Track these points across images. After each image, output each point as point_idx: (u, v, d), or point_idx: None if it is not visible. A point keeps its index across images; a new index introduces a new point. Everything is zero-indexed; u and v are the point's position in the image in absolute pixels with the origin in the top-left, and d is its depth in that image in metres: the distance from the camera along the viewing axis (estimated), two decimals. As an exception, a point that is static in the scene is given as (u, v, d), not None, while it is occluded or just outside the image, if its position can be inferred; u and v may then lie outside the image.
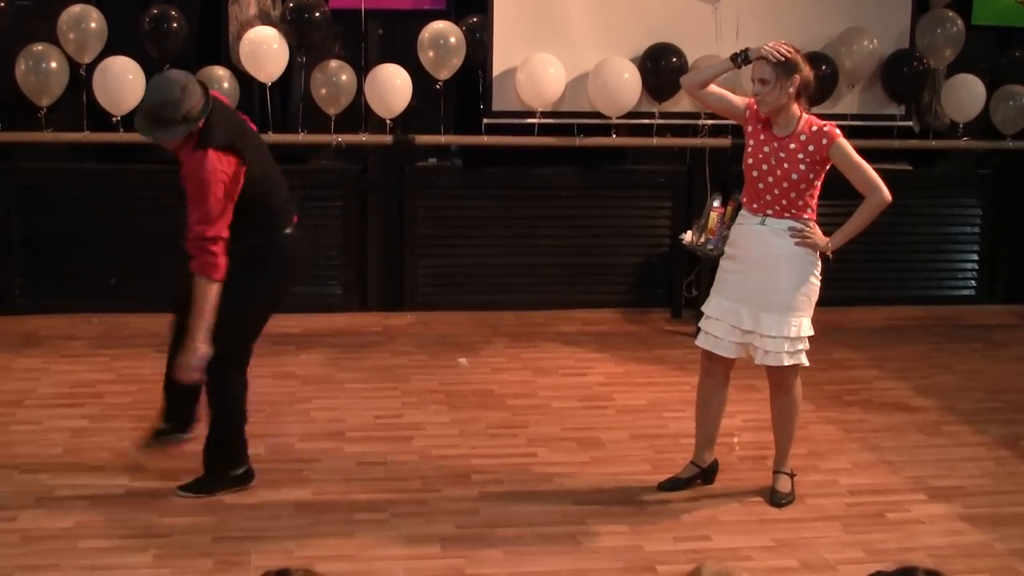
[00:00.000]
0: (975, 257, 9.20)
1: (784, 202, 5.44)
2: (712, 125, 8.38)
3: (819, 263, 5.55)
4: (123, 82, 7.81)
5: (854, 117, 8.46)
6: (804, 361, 5.57)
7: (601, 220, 8.74)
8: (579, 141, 8.27)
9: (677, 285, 8.64)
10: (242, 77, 7.99)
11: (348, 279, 8.54)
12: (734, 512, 5.52)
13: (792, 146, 5.38)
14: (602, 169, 8.72)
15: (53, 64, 7.81)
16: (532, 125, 8.16)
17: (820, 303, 8.49)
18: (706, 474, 5.83)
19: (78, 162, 8.49)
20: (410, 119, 8.18)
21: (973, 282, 9.23)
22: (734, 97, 5.71)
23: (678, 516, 5.47)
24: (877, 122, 8.57)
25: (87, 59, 7.87)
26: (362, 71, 8.10)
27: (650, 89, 8.15)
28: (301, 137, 8.18)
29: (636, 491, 5.71)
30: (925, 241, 9.12)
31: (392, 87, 7.92)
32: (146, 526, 5.23)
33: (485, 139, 8.20)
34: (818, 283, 5.56)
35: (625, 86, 8.07)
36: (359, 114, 8.14)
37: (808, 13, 8.35)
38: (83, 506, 5.40)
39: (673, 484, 5.76)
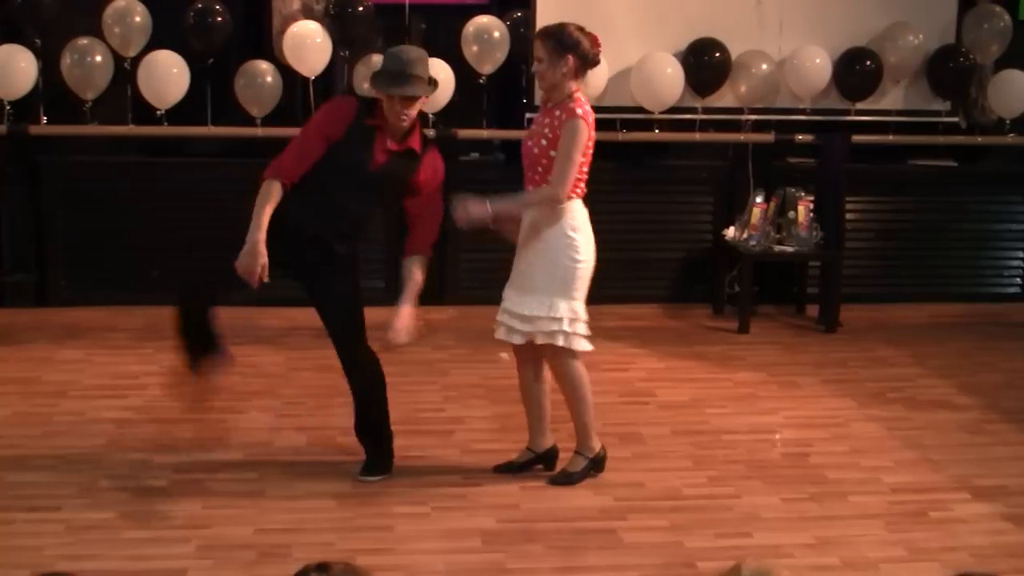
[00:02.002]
0: (1021, 254, 9.12)
1: (536, 178, 5.49)
2: (755, 121, 8.35)
3: (577, 243, 5.48)
4: (167, 76, 7.87)
5: (899, 113, 8.42)
6: (573, 344, 5.53)
7: (643, 215, 8.72)
8: (621, 136, 8.25)
9: (718, 281, 8.61)
10: (285, 71, 8.02)
11: (390, 273, 8.54)
12: (775, 509, 5.50)
13: (546, 120, 5.46)
14: (644, 164, 8.70)
15: (98, 58, 7.87)
16: (574, 120, 8.14)
17: (864, 299, 8.53)
18: (544, 459, 5.80)
19: (122, 155, 8.56)
20: (452, 113, 8.19)
21: (1018, 279, 9.15)
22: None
23: (719, 513, 5.45)
24: (922, 118, 8.52)
25: (131, 53, 7.93)
26: (405, 65, 8.10)
27: (693, 84, 8.13)
28: (344, 131, 8.20)
29: (677, 487, 5.69)
30: (970, 238, 9.05)
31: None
32: (188, 517, 5.27)
33: (527, 133, 8.17)
34: (577, 264, 5.50)
35: (668, 81, 8.05)
36: (402, 108, 8.15)
37: (852, 7, 8.31)
38: (125, 497, 5.44)
39: (507, 467, 5.79)
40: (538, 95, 7.97)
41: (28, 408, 6.53)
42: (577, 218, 5.50)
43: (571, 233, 5.47)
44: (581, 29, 5.58)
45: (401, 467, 5.82)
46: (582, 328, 5.56)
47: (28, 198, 8.37)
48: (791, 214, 8.26)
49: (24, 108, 8.03)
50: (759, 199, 8.27)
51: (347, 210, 5.47)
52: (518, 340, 5.57)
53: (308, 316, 8.08)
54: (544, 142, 5.45)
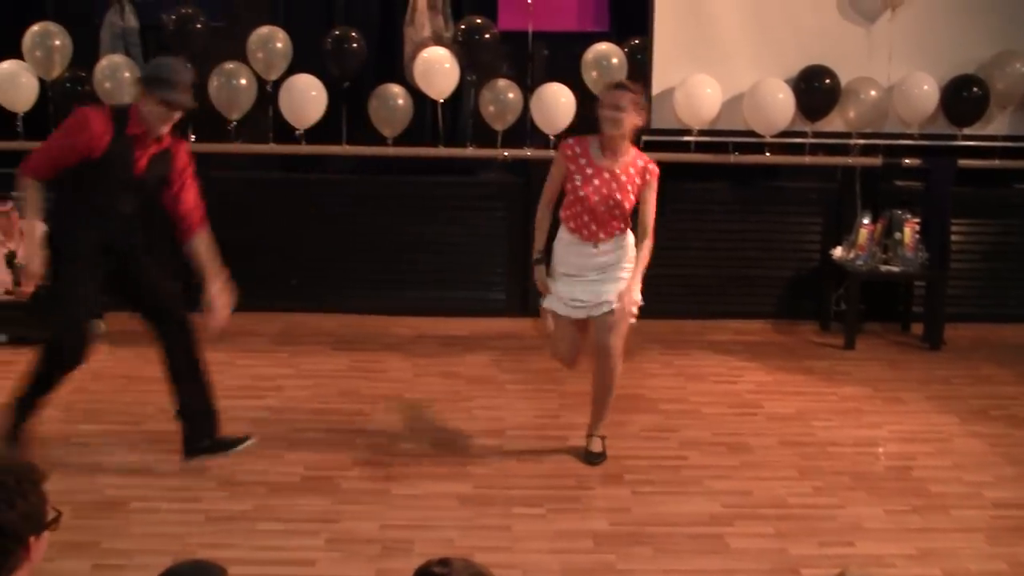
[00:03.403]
0: (1125, 276, 8.86)
1: (614, 223, 5.83)
2: (864, 145, 8.23)
3: None
4: (306, 98, 7.98)
5: (1005, 139, 8.23)
6: None
7: (753, 234, 8.65)
8: (733, 158, 8.19)
9: (826, 299, 8.49)
10: (416, 94, 8.10)
11: (511, 286, 8.58)
12: (878, 520, 5.41)
13: (627, 171, 5.75)
14: (755, 185, 8.62)
15: (242, 81, 8.01)
16: (688, 142, 8.11)
17: (968, 318, 8.38)
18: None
19: (263, 171, 8.70)
20: (572, 135, 8.18)
21: (1123, 301, 8.88)
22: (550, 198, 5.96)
23: (823, 522, 5.37)
24: (1029, 144, 8.33)
25: (273, 76, 8.06)
26: (528, 89, 8.15)
27: (803, 109, 8.04)
28: (469, 151, 8.27)
29: (783, 496, 5.62)
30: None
31: (556, 105, 7.95)
32: (319, 511, 5.33)
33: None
34: None
35: (779, 106, 7.97)
36: (524, 130, 8.19)
37: (960, 36, 8.13)
38: (262, 491, 5.53)
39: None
40: (657, 119, 8.03)
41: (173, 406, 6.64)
42: None
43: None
44: None
45: (519, 471, 5.84)
46: None
47: (176, 210, 8.53)
48: (897, 235, 8.12)
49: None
50: (866, 220, 8.15)
51: (119, 215, 5.48)
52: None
53: (434, 325, 8.24)
54: (632, 195, 5.75)
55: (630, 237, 5.86)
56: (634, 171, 5.75)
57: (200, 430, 5.74)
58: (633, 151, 5.81)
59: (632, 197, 5.75)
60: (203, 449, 5.73)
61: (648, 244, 5.77)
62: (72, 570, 4.68)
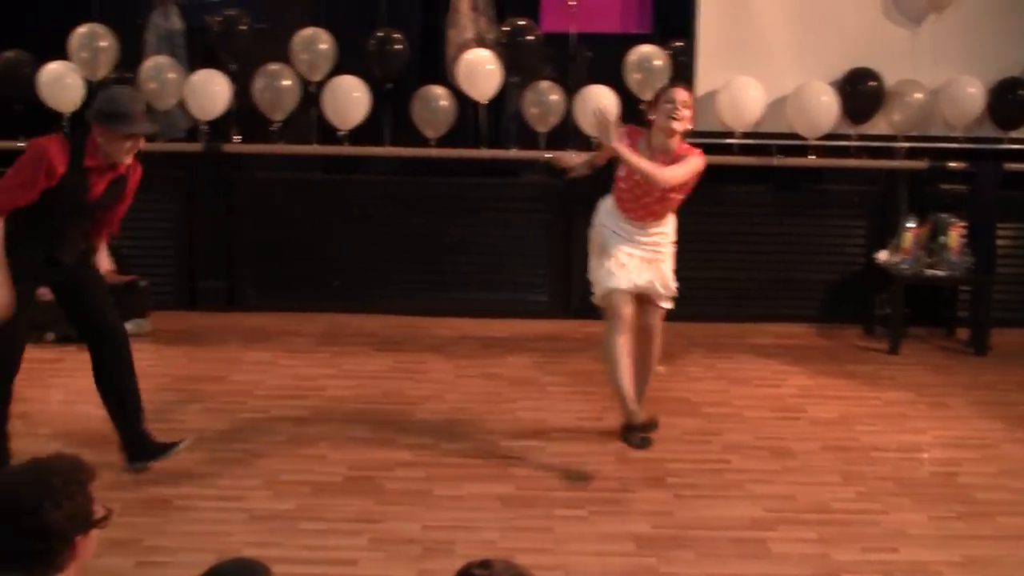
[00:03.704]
0: None
1: (656, 209, 5.94)
2: (909, 148, 8.17)
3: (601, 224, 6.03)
4: (349, 99, 8.01)
5: (1052, 142, 8.16)
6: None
7: (796, 237, 8.61)
8: (777, 161, 8.16)
9: (870, 303, 8.43)
10: (459, 96, 8.11)
11: (553, 287, 8.58)
12: (922, 526, 5.35)
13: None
14: (799, 188, 8.58)
15: (286, 82, 8.06)
16: (732, 145, 8.08)
17: (1014, 323, 8.30)
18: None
19: (306, 172, 8.74)
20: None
21: None
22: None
23: (866, 527, 5.32)
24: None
25: (317, 78, 8.10)
26: (571, 91, 8.14)
27: (848, 112, 8.00)
28: (512, 153, 8.28)
29: (826, 501, 5.58)
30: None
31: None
32: (361, 512, 5.34)
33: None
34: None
35: (823, 109, 7.93)
36: (567, 131, 8.18)
37: (1006, 38, 8.07)
38: (304, 491, 5.54)
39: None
40: (700, 121, 7.98)
41: (217, 405, 6.69)
42: None
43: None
44: None
45: (561, 472, 5.83)
46: None
47: (221, 210, 8.60)
48: (943, 239, 8.06)
49: (218, 128, 8.25)
50: (911, 224, 8.09)
51: (69, 235, 5.49)
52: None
53: (476, 326, 8.25)
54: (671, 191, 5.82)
55: (673, 225, 6.03)
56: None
57: (132, 442, 5.74)
58: (683, 149, 5.82)
59: (673, 194, 5.80)
60: (139, 456, 5.71)
61: (658, 171, 5.68)
62: (116, 567, 4.71)
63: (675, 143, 5.79)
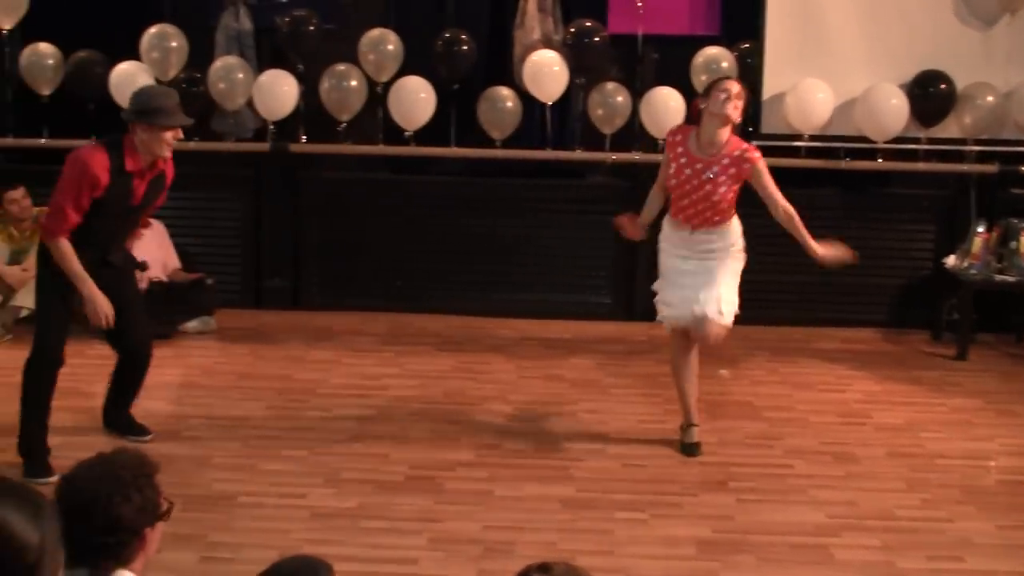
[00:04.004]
0: None
1: (714, 217, 5.90)
2: (979, 151, 8.07)
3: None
4: (415, 100, 8.05)
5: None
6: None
7: (863, 241, 8.46)
8: (845, 164, 8.09)
9: (938, 308, 8.33)
10: (524, 97, 8.11)
11: (616, 289, 8.56)
12: (989, 535, 5.27)
13: (719, 165, 5.77)
14: (866, 192, 8.50)
15: (353, 83, 8.10)
16: (799, 147, 8.02)
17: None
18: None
19: (372, 172, 8.78)
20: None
21: None
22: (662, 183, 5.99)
23: (931, 535, 5.25)
24: None
25: (383, 78, 8.13)
26: (637, 93, 8.12)
27: (917, 115, 7.91)
28: (577, 154, 8.27)
29: (890, 508, 5.52)
30: None
31: (665, 108, 7.91)
32: (422, 511, 5.35)
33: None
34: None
35: (892, 112, 7.85)
36: (632, 133, 8.16)
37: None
38: (366, 489, 5.57)
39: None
40: (767, 123, 7.95)
41: (281, 403, 6.74)
42: None
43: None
44: None
45: (622, 475, 5.81)
46: None
47: (287, 210, 8.66)
48: (1013, 244, 7.94)
49: (285, 128, 8.32)
50: (981, 228, 7.99)
51: (118, 238, 5.75)
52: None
53: (538, 327, 8.25)
54: (729, 185, 5.78)
55: (733, 230, 5.96)
56: (728, 161, 5.73)
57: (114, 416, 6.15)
58: (733, 142, 5.77)
59: (722, 189, 5.74)
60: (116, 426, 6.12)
61: (790, 213, 5.90)
62: (180, 562, 4.76)
63: (725, 134, 5.73)
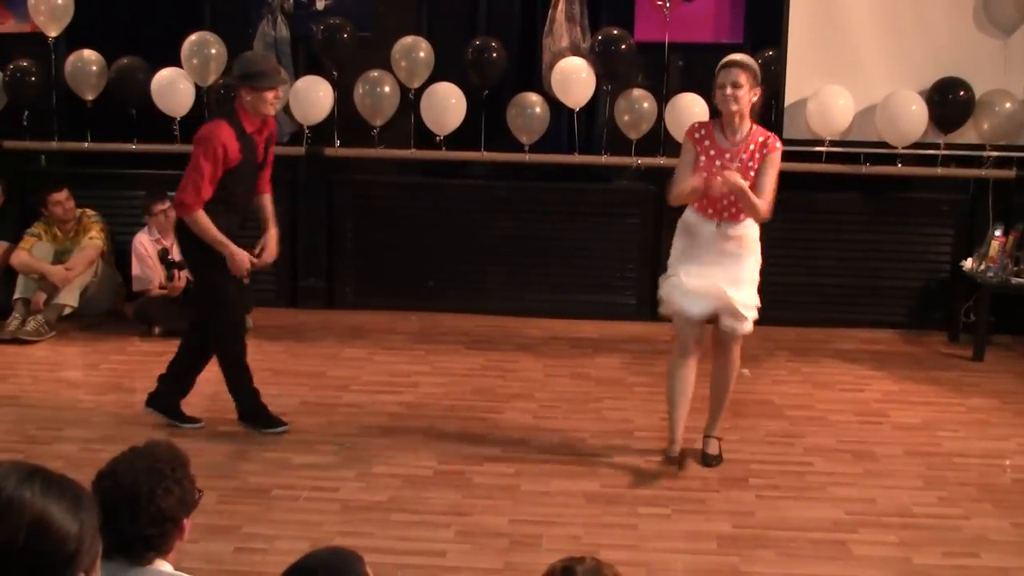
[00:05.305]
0: None
1: (732, 208, 5.67)
2: (997, 157, 8.03)
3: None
4: (447, 106, 8.06)
5: None
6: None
7: (883, 244, 8.49)
8: (865, 169, 8.06)
9: (955, 310, 8.29)
10: (552, 103, 8.12)
11: (642, 290, 8.55)
12: (1005, 533, 5.24)
13: (741, 155, 5.60)
14: (886, 196, 8.46)
15: (386, 88, 8.13)
16: (820, 153, 8.00)
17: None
18: None
19: (404, 176, 8.80)
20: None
21: None
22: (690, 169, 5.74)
23: (948, 532, 5.22)
24: None
25: (416, 84, 8.15)
26: (663, 99, 8.11)
27: (936, 121, 7.87)
28: (604, 159, 8.27)
29: (907, 505, 5.49)
30: None
31: (691, 115, 7.87)
32: (451, 505, 5.37)
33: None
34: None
35: (912, 118, 7.82)
36: (658, 139, 8.15)
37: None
38: (397, 483, 5.58)
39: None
40: (789, 129, 7.92)
41: (315, 399, 6.77)
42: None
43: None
44: None
45: (646, 472, 5.80)
46: None
47: (321, 212, 8.70)
48: (1030, 248, 7.91)
49: (320, 132, 8.35)
50: (998, 232, 7.95)
51: (250, 199, 6.14)
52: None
53: (565, 327, 8.26)
54: (752, 175, 5.57)
55: (754, 229, 5.73)
56: (754, 147, 5.58)
57: (168, 394, 6.24)
58: (755, 129, 5.63)
59: (752, 174, 5.56)
60: (159, 406, 6.22)
61: (762, 204, 5.52)
62: (215, 552, 4.78)
63: (746, 124, 5.60)
